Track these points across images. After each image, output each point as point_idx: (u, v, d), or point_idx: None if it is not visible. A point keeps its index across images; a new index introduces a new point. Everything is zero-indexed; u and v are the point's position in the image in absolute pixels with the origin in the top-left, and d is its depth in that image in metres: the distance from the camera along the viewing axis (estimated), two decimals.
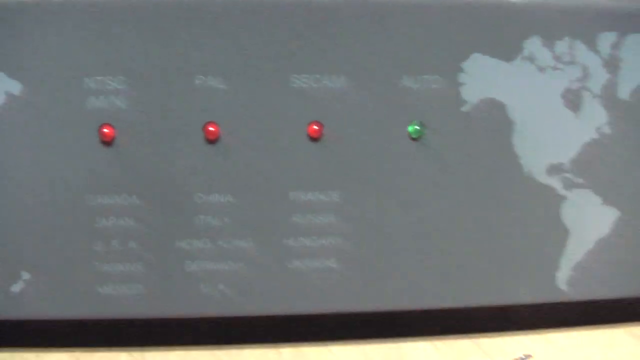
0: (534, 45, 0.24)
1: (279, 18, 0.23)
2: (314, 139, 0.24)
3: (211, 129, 0.24)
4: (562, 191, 0.26)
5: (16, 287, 0.25)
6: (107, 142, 0.24)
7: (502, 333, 0.29)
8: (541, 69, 0.24)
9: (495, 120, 0.25)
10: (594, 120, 0.25)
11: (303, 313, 0.26)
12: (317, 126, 0.24)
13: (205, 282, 0.25)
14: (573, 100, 0.25)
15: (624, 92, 0.25)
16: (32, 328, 0.28)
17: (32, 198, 0.24)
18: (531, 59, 0.24)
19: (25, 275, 0.25)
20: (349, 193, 0.25)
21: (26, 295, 0.25)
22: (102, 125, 0.24)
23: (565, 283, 0.27)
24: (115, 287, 0.25)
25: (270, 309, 0.26)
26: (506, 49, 0.24)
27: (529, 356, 0.27)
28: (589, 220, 0.26)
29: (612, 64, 0.25)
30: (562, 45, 0.24)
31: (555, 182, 0.26)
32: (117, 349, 0.27)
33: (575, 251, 0.26)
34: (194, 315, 0.26)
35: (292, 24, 0.23)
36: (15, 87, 0.23)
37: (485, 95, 0.24)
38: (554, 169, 0.25)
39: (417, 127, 0.24)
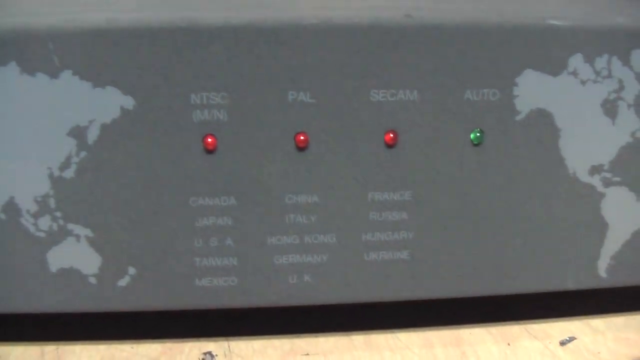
0: (577, 61, 0.29)
1: (360, 41, 0.27)
2: (390, 146, 0.28)
3: (301, 138, 0.28)
4: (601, 189, 0.30)
5: (123, 282, 0.29)
6: (210, 151, 0.28)
7: (547, 320, 0.33)
8: (583, 82, 0.29)
9: (544, 127, 0.29)
10: (629, 126, 0.30)
11: (377, 301, 0.30)
12: (393, 134, 0.28)
13: (292, 274, 0.29)
14: (610, 109, 0.29)
15: None
16: (128, 320, 0.31)
17: (141, 201, 0.28)
18: (575, 73, 0.29)
19: (132, 271, 0.29)
20: (420, 193, 0.29)
21: (130, 289, 0.29)
22: (205, 136, 0.28)
23: (605, 271, 0.31)
24: (212, 279, 0.29)
25: (348, 298, 0.30)
26: (553, 65, 0.29)
27: (573, 338, 0.32)
28: (626, 214, 0.30)
29: None
30: (601, 62, 0.29)
31: (595, 181, 0.30)
32: (205, 339, 0.31)
33: (613, 242, 0.31)
34: (281, 304, 0.30)
35: (372, 45, 0.27)
36: (128, 102, 0.27)
37: (536, 106, 0.29)
38: (595, 170, 0.30)
39: (478, 134, 0.29)
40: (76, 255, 0.29)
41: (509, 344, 0.31)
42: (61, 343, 0.31)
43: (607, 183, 0.30)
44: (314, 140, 0.28)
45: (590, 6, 0.32)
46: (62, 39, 0.27)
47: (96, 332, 0.31)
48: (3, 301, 0.29)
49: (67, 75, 0.27)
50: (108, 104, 0.27)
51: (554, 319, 0.33)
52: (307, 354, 0.30)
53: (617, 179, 0.30)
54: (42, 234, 0.28)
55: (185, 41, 0.27)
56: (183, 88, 0.27)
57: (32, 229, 0.28)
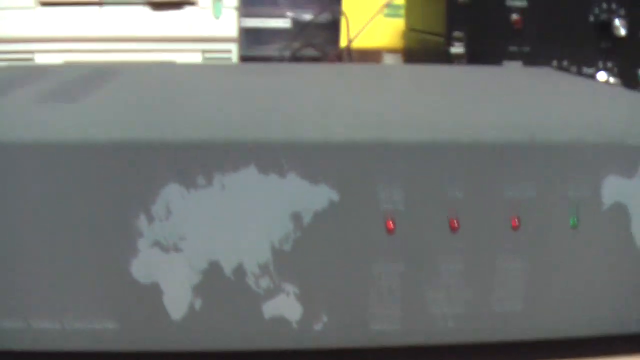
0: None
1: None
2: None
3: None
4: None
5: (318, 326, 0.42)
6: (390, 231, 0.41)
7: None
8: None
9: (622, 215, 0.43)
10: None
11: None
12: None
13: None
14: None
15: None
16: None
17: (335, 267, 0.41)
18: None
19: (325, 318, 0.42)
20: (535, 261, 0.43)
21: (323, 332, 0.42)
22: (387, 220, 0.41)
23: None
24: (380, 322, 0.42)
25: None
26: (629, 171, 0.43)
27: None
28: None
29: None
30: None
31: None
32: None
33: None
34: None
35: (498, 158, 0.41)
36: (335, 196, 0.41)
37: (615, 200, 0.43)
38: None
39: (575, 220, 0.43)
40: (285, 306, 0.41)
41: None
42: None
43: None
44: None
45: None
46: (288, 149, 0.40)
47: None
48: (221, 340, 0.41)
49: (292, 175, 0.40)
50: (320, 197, 0.40)
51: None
52: None
53: None
54: (260, 291, 0.41)
55: (371, 158, 0.40)
56: (373, 185, 0.41)
57: (253, 286, 0.41)
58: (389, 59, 1.24)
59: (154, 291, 0.41)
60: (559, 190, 0.42)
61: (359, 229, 0.41)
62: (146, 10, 1.03)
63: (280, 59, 1.31)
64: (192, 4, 1.02)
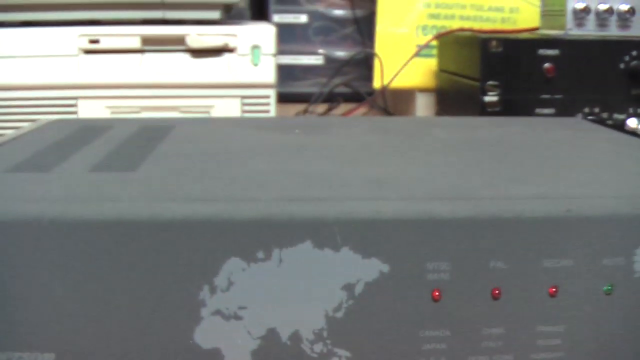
0: None
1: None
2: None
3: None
4: None
5: None
6: (436, 300, 0.45)
7: None
8: None
9: None
10: None
11: None
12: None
13: None
14: None
15: None
16: None
17: (382, 334, 0.45)
18: None
19: None
20: (573, 328, 0.46)
21: None
22: (434, 290, 0.45)
23: None
24: None
25: None
26: None
27: None
28: None
29: None
30: None
31: None
32: None
33: None
34: None
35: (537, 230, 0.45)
36: (385, 268, 0.44)
37: None
38: None
39: (609, 287, 0.46)
40: None
41: None
42: None
43: None
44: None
45: None
46: (344, 225, 0.43)
47: None
48: None
49: (345, 249, 0.44)
50: (371, 269, 0.44)
51: None
52: None
53: None
54: (314, 355, 0.45)
55: (419, 233, 0.44)
56: (420, 257, 0.44)
57: (308, 351, 0.45)
58: (421, 99, 1.28)
59: (216, 356, 0.44)
60: (594, 259, 0.45)
61: (407, 297, 0.44)
62: (186, 57, 1.07)
63: (317, 98, 1.36)
64: (231, 51, 1.06)
